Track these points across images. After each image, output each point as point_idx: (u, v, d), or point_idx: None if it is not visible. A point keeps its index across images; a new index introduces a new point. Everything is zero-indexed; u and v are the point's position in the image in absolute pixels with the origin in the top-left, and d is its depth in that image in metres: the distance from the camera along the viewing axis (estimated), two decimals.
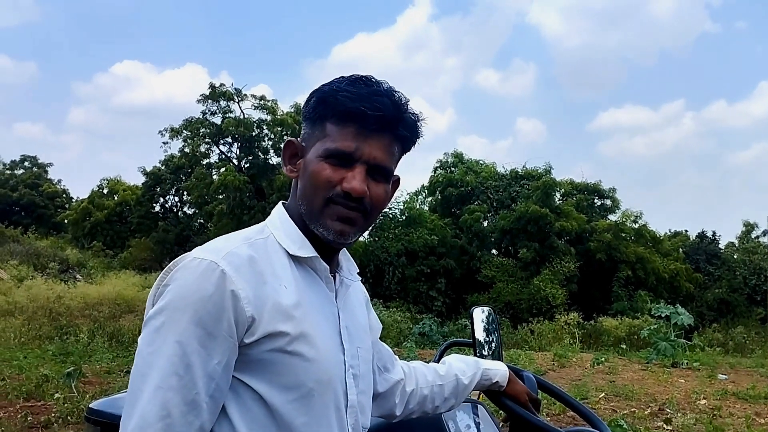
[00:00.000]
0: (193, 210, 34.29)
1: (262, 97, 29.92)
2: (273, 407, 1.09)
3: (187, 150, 31.04)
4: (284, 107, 30.18)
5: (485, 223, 28.57)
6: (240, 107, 29.69)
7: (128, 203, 35.74)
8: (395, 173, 1.23)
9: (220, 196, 29.76)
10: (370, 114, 1.14)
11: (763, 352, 15.47)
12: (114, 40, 68.47)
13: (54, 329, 12.15)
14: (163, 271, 1.11)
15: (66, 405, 6.26)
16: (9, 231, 29.96)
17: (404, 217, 27.17)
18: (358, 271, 1.34)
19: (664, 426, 6.52)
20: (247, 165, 29.89)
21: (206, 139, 30.07)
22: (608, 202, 30.06)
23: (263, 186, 28.98)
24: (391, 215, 27.03)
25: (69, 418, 5.98)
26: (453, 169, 30.46)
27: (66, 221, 39.20)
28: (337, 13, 67.18)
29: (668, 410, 7.16)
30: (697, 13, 59.56)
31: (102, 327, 12.46)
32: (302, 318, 1.12)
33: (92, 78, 76.32)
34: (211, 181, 30.05)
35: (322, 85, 1.20)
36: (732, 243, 35.30)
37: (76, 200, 42.65)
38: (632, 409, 7.16)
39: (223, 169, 30.28)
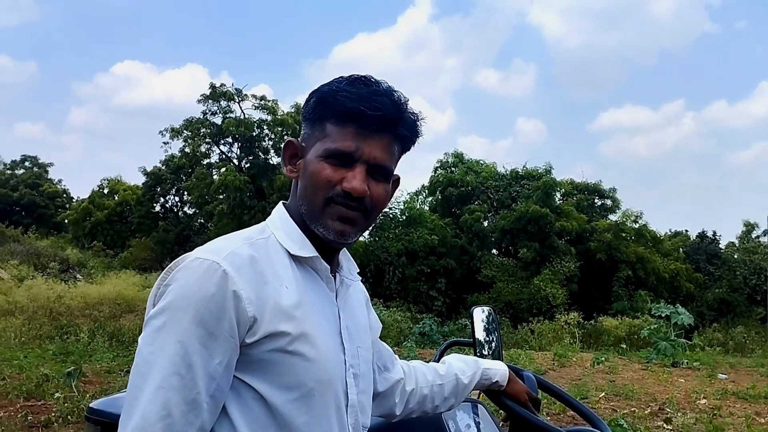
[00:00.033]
0: (193, 210, 34.30)
1: (262, 97, 29.97)
2: (274, 407, 1.09)
3: (187, 150, 31.06)
4: (285, 107, 30.26)
5: (485, 223, 28.57)
6: (240, 107, 29.74)
7: (129, 203, 35.75)
8: (395, 173, 1.24)
9: (221, 196, 29.77)
10: (369, 114, 1.14)
11: (763, 352, 15.46)
12: (114, 40, 68.50)
13: (54, 329, 12.15)
14: (165, 271, 1.11)
15: (66, 404, 6.26)
16: (9, 231, 29.97)
17: (404, 217, 27.17)
18: (359, 270, 1.35)
19: (664, 425, 6.52)
20: (248, 165, 29.90)
21: (207, 139, 30.08)
22: (608, 202, 30.06)
23: (263, 186, 28.99)
24: (391, 215, 27.04)
25: (69, 417, 5.98)
26: (453, 169, 30.45)
27: (66, 221, 39.21)
28: (338, 13, 67.27)
29: (668, 410, 7.16)
30: (697, 14, 59.62)
31: (102, 327, 12.46)
32: (303, 318, 1.12)
33: (93, 78, 76.39)
34: (212, 181, 30.06)
35: (322, 86, 1.20)
36: (732, 243, 35.31)
37: (77, 200, 42.67)
38: (632, 409, 7.16)
39: (223, 169, 30.29)
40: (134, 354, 1.08)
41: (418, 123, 1.23)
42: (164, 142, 30.98)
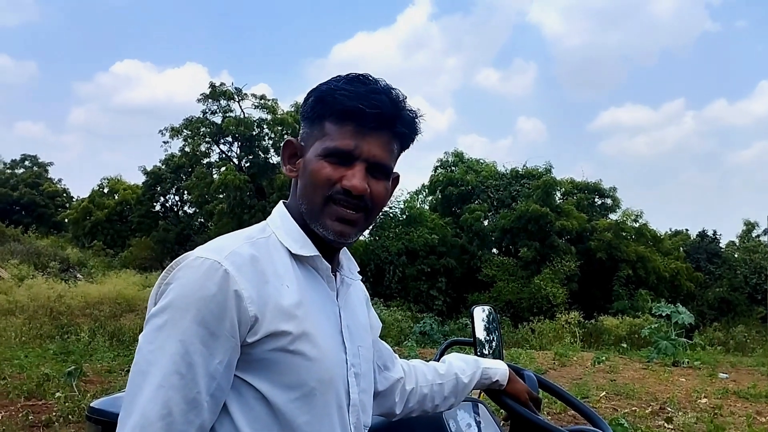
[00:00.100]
0: (193, 209, 34.32)
1: (262, 97, 29.97)
2: (275, 406, 1.09)
3: (187, 149, 31.07)
4: (284, 106, 30.26)
5: (486, 222, 28.55)
6: (240, 106, 29.74)
7: (129, 202, 35.78)
8: (395, 170, 1.23)
9: (221, 196, 29.78)
10: (368, 112, 1.14)
11: (764, 351, 15.45)
12: (114, 39, 68.66)
13: (55, 328, 12.15)
14: (166, 270, 1.11)
15: (67, 404, 6.26)
16: (9, 230, 29.99)
17: (405, 216, 27.15)
18: (359, 270, 1.35)
19: (665, 425, 6.51)
20: (248, 164, 29.91)
21: (206, 139, 30.09)
22: (609, 201, 30.03)
23: (263, 185, 28.99)
24: (391, 214, 27.03)
25: (70, 417, 5.99)
26: (453, 168, 30.43)
27: (66, 220, 39.25)
28: (337, 13, 67.22)
29: (669, 409, 7.16)
30: (697, 13, 59.62)
31: (103, 326, 12.45)
32: (304, 317, 1.12)
33: (93, 77, 76.62)
34: (212, 181, 30.06)
35: (320, 85, 1.20)
36: (733, 242, 35.28)
37: (77, 199, 42.71)
38: (633, 408, 7.16)
39: (223, 169, 30.29)
40: (134, 353, 1.08)
41: (416, 120, 1.23)
42: (164, 142, 31.02)
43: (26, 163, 48.13)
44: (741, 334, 19.64)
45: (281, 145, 1.26)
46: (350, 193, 1.15)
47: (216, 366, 1.04)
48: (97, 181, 40.73)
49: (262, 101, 29.80)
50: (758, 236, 34.61)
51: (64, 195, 46.81)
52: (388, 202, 1.34)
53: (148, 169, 34.02)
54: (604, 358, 10.55)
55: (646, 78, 63.38)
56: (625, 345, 14.30)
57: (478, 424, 1.94)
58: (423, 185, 31.07)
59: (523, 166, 30.09)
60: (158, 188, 34.48)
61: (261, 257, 1.12)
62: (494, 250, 28.69)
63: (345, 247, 1.28)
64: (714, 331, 21.43)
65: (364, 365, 1.25)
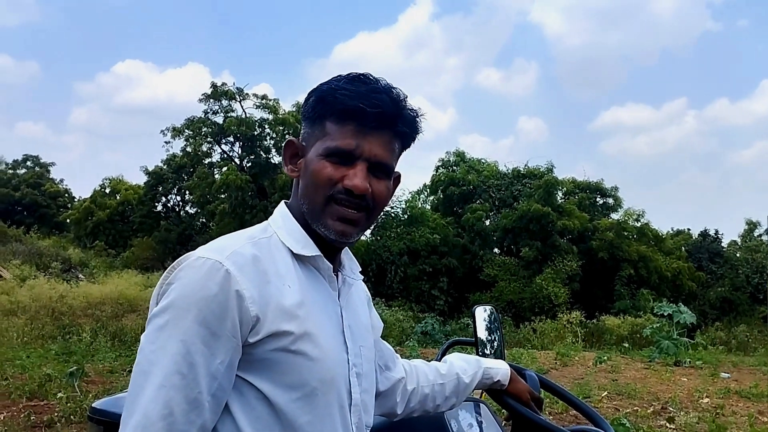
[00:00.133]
0: (195, 209, 34.34)
1: (263, 96, 29.96)
2: (277, 406, 1.09)
3: (189, 149, 31.09)
4: (286, 106, 30.23)
5: (487, 222, 28.55)
6: (242, 106, 29.73)
7: (130, 203, 35.81)
8: (396, 170, 1.23)
9: (222, 196, 29.78)
10: (369, 111, 1.14)
11: (766, 351, 15.42)
12: (116, 39, 68.75)
13: (57, 329, 12.16)
14: (168, 270, 1.11)
15: (69, 404, 6.27)
16: (11, 230, 30.01)
17: (406, 216, 27.15)
18: (361, 270, 1.34)
19: (667, 425, 6.51)
20: (249, 164, 29.91)
21: (208, 139, 30.09)
22: (610, 200, 30.00)
23: (265, 185, 28.99)
24: (393, 214, 27.02)
25: (72, 417, 5.99)
26: (455, 168, 30.43)
27: (68, 221, 39.31)
28: (339, 13, 67.30)
29: (671, 409, 7.15)
30: (698, 12, 59.56)
31: (104, 326, 12.47)
32: (306, 317, 1.12)
33: (94, 77, 76.71)
34: (213, 181, 30.07)
35: (321, 84, 1.20)
36: (734, 241, 35.22)
37: (79, 200, 42.77)
38: (635, 408, 7.15)
39: (225, 169, 30.28)
40: (136, 354, 1.08)
41: (417, 119, 1.23)
42: (166, 142, 31.04)
43: (28, 163, 48.20)
44: (743, 334, 19.60)
45: (283, 145, 1.26)
46: (352, 192, 1.14)
47: (217, 366, 1.04)
48: (98, 181, 40.82)
49: (264, 101, 29.82)
50: (760, 236, 34.54)
51: (66, 195, 46.86)
52: (390, 202, 1.33)
53: (150, 169, 34.07)
54: (605, 357, 10.54)
55: (648, 77, 63.42)
56: (626, 345, 14.28)
57: (479, 424, 1.94)
58: (424, 185, 31.09)
59: (525, 165, 30.09)
60: (160, 188, 34.50)
61: (263, 257, 1.12)
62: (496, 250, 28.67)
63: (347, 247, 1.28)
64: (716, 330, 21.39)
65: (365, 365, 1.25)
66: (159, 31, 69.90)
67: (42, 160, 48.36)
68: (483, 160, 31.06)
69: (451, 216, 28.61)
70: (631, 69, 63.39)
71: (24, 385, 7.10)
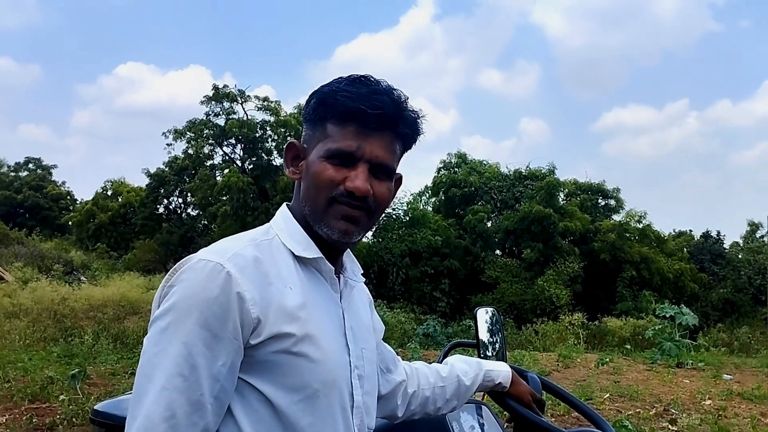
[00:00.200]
0: (196, 211, 34.40)
1: (265, 99, 30.02)
2: (279, 408, 1.09)
3: (190, 151, 31.15)
4: (287, 108, 30.30)
5: (489, 224, 28.57)
6: (243, 108, 29.79)
7: (132, 205, 35.86)
8: (397, 171, 1.23)
9: (224, 198, 29.81)
10: (370, 113, 1.14)
11: None
12: (117, 42, 68.77)
13: (58, 331, 12.16)
14: (169, 272, 1.11)
15: (71, 407, 6.27)
16: (13, 233, 30.03)
17: (408, 218, 27.17)
18: (362, 272, 1.34)
19: (669, 426, 6.50)
20: (251, 166, 29.95)
21: (210, 141, 30.15)
22: (612, 202, 30.03)
23: (267, 187, 29.02)
24: (394, 216, 27.04)
25: (74, 419, 5.99)
26: (456, 169, 30.45)
27: (70, 223, 39.37)
28: (340, 14, 67.35)
29: (673, 410, 7.14)
30: (700, 13, 59.52)
31: (106, 329, 12.47)
32: (307, 319, 1.12)
33: (96, 80, 76.70)
34: (215, 183, 30.11)
35: (322, 86, 1.20)
36: (736, 243, 35.22)
37: (81, 202, 42.85)
38: (637, 410, 7.14)
39: (226, 171, 30.34)
40: (138, 356, 1.08)
41: (418, 121, 1.23)
42: (167, 144, 31.15)
43: (30, 165, 48.24)
44: (745, 335, 19.57)
45: (284, 147, 1.26)
46: (353, 194, 1.14)
47: (219, 368, 1.04)
48: (100, 183, 40.89)
49: (265, 103, 29.87)
50: (762, 237, 34.55)
51: (68, 198, 46.91)
52: (391, 204, 1.33)
53: (152, 171, 34.15)
54: (607, 359, 10.52)
55: (649, 79, 63.37)
56: (628, 346, 14.25)
57: (481, 426, 1.94)
58: (426, 187, 31.14)
59: (527, 167, 30.13)
60: (162, 190, 34.57)
61: (264, 259, 1.12)
62: (497, 252, 28.69)
63: (348, 249, 1.28)
64: (718, 332, 21.35)
65: (367, 367, 1.25)
66: (161, 34, 70.04)
67: (44, 163, 48.43)
68: (484, 162, 31.12)
69: (452, 218, 28.63)
70: (632, 70, 63.48)
71: (26, 388, 7.09)
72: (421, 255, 25.47)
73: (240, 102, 29.51)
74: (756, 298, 28.76)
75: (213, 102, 29.23)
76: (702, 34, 59.47)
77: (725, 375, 9.68)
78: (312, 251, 1.18)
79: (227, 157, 30.91)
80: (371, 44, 66.48)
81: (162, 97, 64.83)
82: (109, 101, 66.78)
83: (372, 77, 1.19)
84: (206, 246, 1.14)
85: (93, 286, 18.88)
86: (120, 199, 37.04)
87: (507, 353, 1.98)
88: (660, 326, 12.13)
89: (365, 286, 1.42)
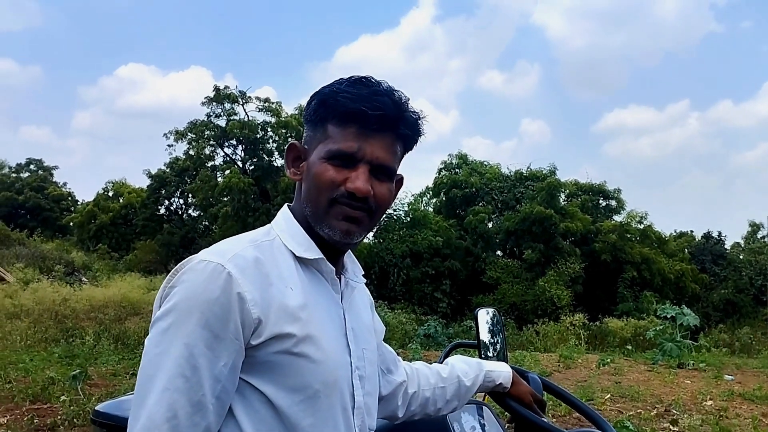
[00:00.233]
0: (197, 212, 34.43)
1: (266, 100, 30.04)
2: (280, 409, 1.09)
3: (191, 152, 31.17)
4: (288, 109, 30.32)
5: (490, 225, 28.56)
6: (244, 109, 29.81)
7: (133, 206, 35.89)
8: (398, 172, 1.24)
9: (225, 199, 29.84)
10: (370, 114, 1.14)
11: None
12: (118, 43, 68.90)
13: (60, 332, 12.16)
14: (171, 273, 1.11)
15: (72, 407, 6.27)
16: (15, 234, 30.02)
17: (409, 219, 27.16)
18: (363, 273, 1.35)
19: (671, 427, 6.49)
20: (252, 167, 29.95)
21: (211, 142, 30.16)
22: (613, 202, 30.01)
23: (268, 188, 29.03)
24: (395, 217, 27.03)
25: (75, 420, 5.99)
26: (457, 170, 30.44)
27: (71, 224, 39.39)
28: (341, 15, 67.44)
29: (674, 411, 7.13)
30: (701, 14, 59.57)
31: (107, 329, 12.46)
32: (308, 319, 1.12)
33: (97, 81, 76.60)
34: (216, 184, 30.13)
35: (323, 87, 1.20)
36: (738, 243, 35.19)
37: (82, 203, 42.88)
38: (638, 411, 7.13)
39: (227, 172, 30.36)
40: (139, 357, 1.09)
41: (419, 122, 1.23)
42: (168, 145, 31.17)
43: (31, 167, 48.27)
44: (746, 336, 19.56)
45: (285, 148, 1.26)
46: (354, 195, 1.15)
47: (221, 368, 1.05)
48: (101, 184, 40.97)
49: (266, 104, 29.88)
50: (763, 237, 34.53)
51: (69, 199, 46.94)
52: (392, 205, 1.33)
53: (153, 172, 34.17)
54: (608, 360, 10.51)
55: (651, 79, 63.36)
56: (630, 347, 14.23)
57: (482, 426, 1.94)
58: (427, 187, 31.12)
59: (527, 168, 30.13)
60: (163, 191, 34.59)
61: (265, 260, 1.12)
62: (498, 252, 28.68)
63: (349, 250, 1.28)
64: (719, 332, 21.32)
65: (368, 368, 1.25)
66: (161, 35, 70.13)
67: (45, 164, 48.49)
68: (485, 163, 31.11)
69: (453, 218, 28.62)
70: (633, 71, 63.45)
71: (27, 388, 7.09)
72: (422, 256, 25.47)
73: (241, 103, 29.56)
74: (757, 298, 28.73)
75: (214, 103, 29.25)
76: (703, 34, 59.58)
77: (726, 376, 9.67)
78: (313, 252, 1.19)
79: (228, 158, 30.94)
80: (372, 45, 66.62)
81: (163, 98, 64.94)
82: (110, 102, 66.91)
83: (373, 78, 1.19)
84: (207, 247, 1.14)
85: (94, 286, 18.90)
86: (121, 200, 37.07)
87: (508, 354, 1.98)
88: (661, 327, 12.13)
89: (366, 287, 1.42)
